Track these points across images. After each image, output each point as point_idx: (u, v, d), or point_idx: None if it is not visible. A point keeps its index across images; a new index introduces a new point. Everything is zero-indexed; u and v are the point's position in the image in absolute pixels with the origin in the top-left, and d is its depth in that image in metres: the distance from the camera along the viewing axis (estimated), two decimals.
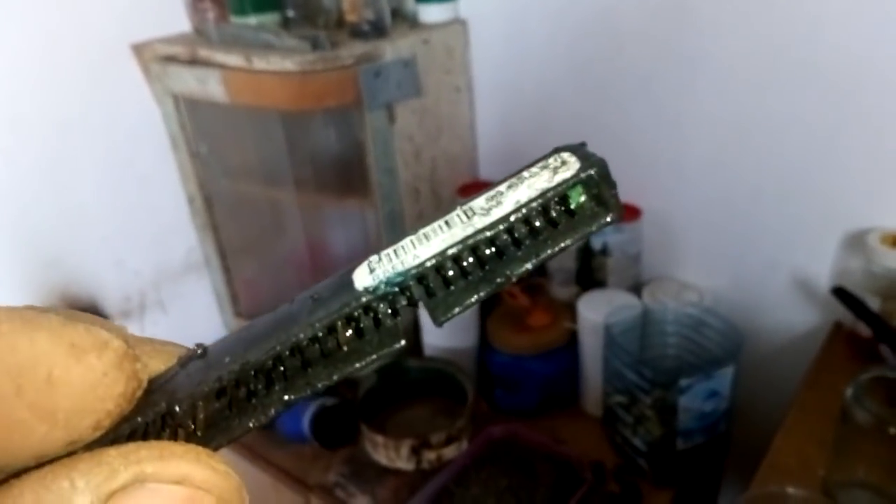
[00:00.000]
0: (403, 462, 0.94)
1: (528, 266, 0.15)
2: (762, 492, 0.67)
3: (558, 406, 1.03)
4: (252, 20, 1.06)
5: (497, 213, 0.15)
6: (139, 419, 0.14)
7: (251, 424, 0.15)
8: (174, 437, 0.15)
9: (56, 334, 0.13)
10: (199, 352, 0.16)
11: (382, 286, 0.15)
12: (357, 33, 1.00)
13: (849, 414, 0.64)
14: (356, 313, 0.15)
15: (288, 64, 0.93)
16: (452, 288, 0.15)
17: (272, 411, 0.15)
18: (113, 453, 0.13)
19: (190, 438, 0.15)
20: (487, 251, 0.15)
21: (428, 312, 0.15)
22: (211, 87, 1.01)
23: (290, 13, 1.10)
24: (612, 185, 0.15)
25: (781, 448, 0.75)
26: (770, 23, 0.86)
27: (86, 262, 1.14)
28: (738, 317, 0.94)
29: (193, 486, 0.13)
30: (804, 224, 0.93)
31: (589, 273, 1.07)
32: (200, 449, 0.14)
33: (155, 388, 0.15)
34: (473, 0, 1.08)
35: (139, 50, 1.09)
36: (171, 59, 1.06)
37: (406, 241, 0.16)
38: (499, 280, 0.15)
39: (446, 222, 0.16)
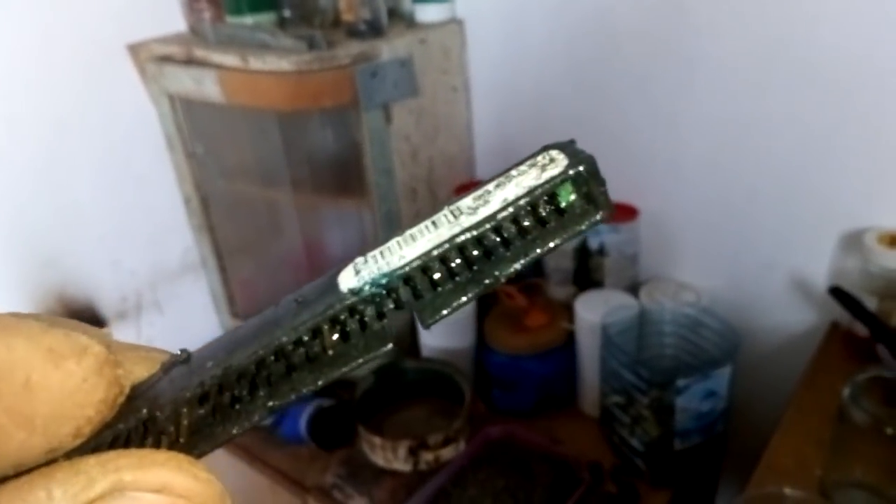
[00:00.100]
0: (401, 463, 0.94)
1: (517, 266, 0.15)
2: (759, 492, 0.67)
3: (555, 406, 1.03)
4: (248, 20, 1.06)
5: (484, 212, 0.15)
6: (121, 426, 0.14)
7: (235, 431, 0.15)
8: (157, 444, 0.15)
9: (34, 340, 0.13)
10: (182, 357, 0.16)
11: (367, 287, 0.15)
12: (353, 33, 1.00)
13: (846, 414, 0.64)
14: (341, 316, 0.15)
15: (284, 64, 0.93)
16: (440, 289, 0.15)
17: (256, 417, 0.15)
18: (91, 462, 0.13)
19: (173, 445, 0.15)
20: (475, 251, 0.15)
21: (416, 315, 0.15)
22: (207, 87, 1.00)
23: (287, 13, 1.10)
24: (602, 182, 0.15)
25: (779, 448, 0.75)
26: (767, 22, 0.86)
27: (82, 263, 1.14)
28: (736, 317, 0.94)
29: (174, 494, 0.13)
30: (801, 224, 0.93)
31: (586, 273, 1.07)
32: (182, 456, 0.13)
33: (138, 394, 0.15)
34: (470, 0, 1.08)
35: (135, 50, 1.08)
36: (167, 59, 1.06)
37: (392, 243, 0.15)
38: (487, 281, 0.15)
39: (433, 222, 0.15)
